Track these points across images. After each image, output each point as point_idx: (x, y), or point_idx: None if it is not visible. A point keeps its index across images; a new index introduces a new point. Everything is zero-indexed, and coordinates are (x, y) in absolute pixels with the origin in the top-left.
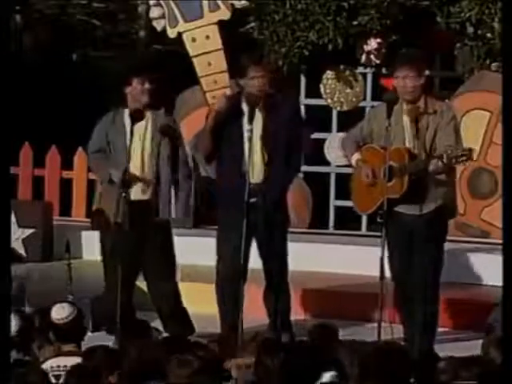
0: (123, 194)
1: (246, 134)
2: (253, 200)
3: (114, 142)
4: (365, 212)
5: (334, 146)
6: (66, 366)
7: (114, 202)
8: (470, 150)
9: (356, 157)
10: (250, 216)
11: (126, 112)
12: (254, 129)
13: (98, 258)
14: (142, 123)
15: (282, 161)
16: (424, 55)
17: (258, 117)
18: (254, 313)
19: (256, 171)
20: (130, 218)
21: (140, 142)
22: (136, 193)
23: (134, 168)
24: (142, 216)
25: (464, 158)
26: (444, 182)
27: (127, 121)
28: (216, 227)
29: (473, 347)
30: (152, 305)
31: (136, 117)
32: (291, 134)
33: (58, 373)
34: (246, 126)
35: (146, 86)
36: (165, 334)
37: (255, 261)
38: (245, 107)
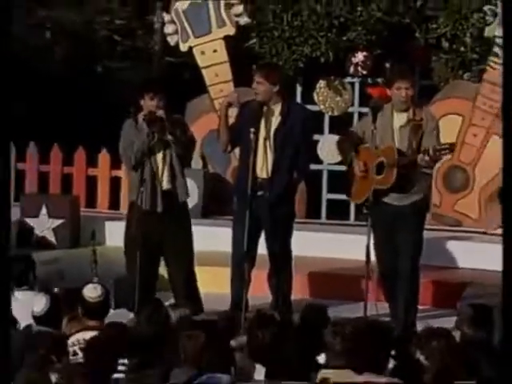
0: (153, 133)
1: (263, 134)
2: (260, 193)
3: (135, 144)
4: (357, 200)
5: (326, 146)
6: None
7: (143, 193)
8: (452, 144)
9: (352, 156)
10: (259, 207)
11: (142, 117)
12: (266, 131)
13: (120, 244)
14: (157, 126)
15: (290, 161)
16: (412, 70)
17: (274, 120)
18: (263, 293)
19: (266, 168)
20: (158, 205)
21: (157, 143)
22: (162, 184)
23: (155, 164)
24: (166, 204)
25: (447, 150)
26: (425, 178)
27: (144, 124)
28: (222, 217)
29: (448, 322)
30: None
31: (150, 120)
32: (301, 138)
33: (84, 346)
34: (262, 128)
35: (157, 97)
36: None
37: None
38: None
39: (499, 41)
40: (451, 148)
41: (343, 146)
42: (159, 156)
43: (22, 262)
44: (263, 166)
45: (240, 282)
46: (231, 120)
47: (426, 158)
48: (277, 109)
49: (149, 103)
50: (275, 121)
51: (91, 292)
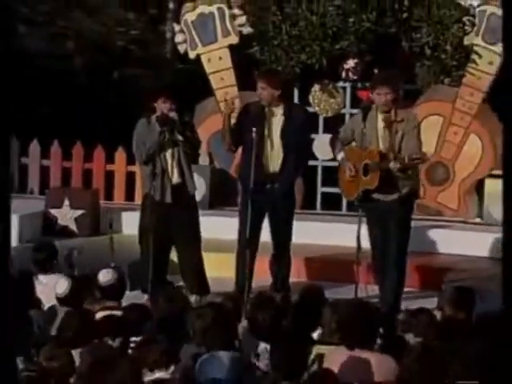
0: (164, 132)
1: (266, 133)
2: (268, 186)
3: (147, 142)
4: (349, 198)
5: (320, 144)
6: None
7: (155, 187)
8: (425, 155)
9: (341, 155)
10: (265, 199)
11: (154, 118)
12: (273, 130)
13: (135, 232)
14: (168, 126)
15: (295, 156)
16: (397, 75)
17: (278, 121)
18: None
19: (273, 163)
20: (168, 197)
21: (167, 141)
22: (172, 178)
23: (164, 161)
24: (176, 196)
25: (419, 161)
26: (410, 175)
27: (156, 124)
28: (227, 208)
29: (430, 303)
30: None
31: (162, 121)
32: (302, 136)
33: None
34: (265, 128)
35: (169, 101)
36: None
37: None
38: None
39: (477, 49)
40: (424, 159)
41: (335, 145)
42: (169, 153)
43: (46, 249)
44: (271, 161)
45: (244, 266)
46: (232, 120)
47: (398, 165)
48: (278, 110)
49: (162, 105)
50: (279, 121)
51: (104, 276)
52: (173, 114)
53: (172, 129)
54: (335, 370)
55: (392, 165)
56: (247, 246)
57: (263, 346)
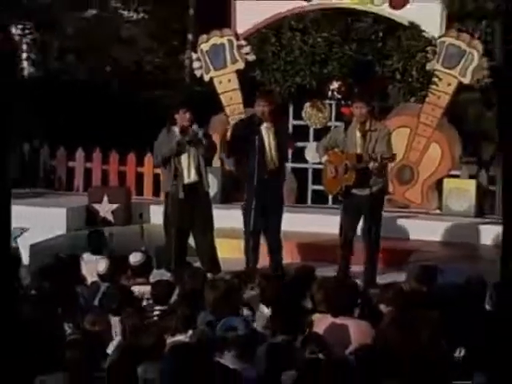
0: (183, 140)
1: (265, 140)
2: (269, 180)
3: (164, 147)
4: (331, 193)
5: (310, 150)
6: (139, 292)
7: (175, 186)
8: (394, 154)
9: (325, 158)
10: (266, 191)
11: (176, 129)
12: (267, 138)
13: (160, 222)
14: (189, 135)
15: (285, 157)
16: (371, 94)
17: (270, 130)
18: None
19: (271, 162)
20: (187, 194)
21: (185, 147)
22: (190, 177)
23: (185, 162)
24: (193, 192)
25: (390, 159)
26: (382, 174)
27: (175, 133)
28: (235, 203)
29: (399, 278)
30: (195, 253)
31: (183, 131)
32: (285, 142)
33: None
34: (264, 136)
35: (188, 114)
36: None
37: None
38: (265, 126)
39: (437, 73)
40: (393, 158)
41: (318, 149)
42: (187, 156)
43: (96, 235)
44: (271, 160)
45: (249, 249)
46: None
47: (376, 164)
48: (271, 123)
49: (182, 116)
50: (272, 130)
51: (135, 257)
52: (195, 127)
53: (193, 136)
54: (322, 332)
55: (371, 165)
56: (253, 233)
57: (266, 311)
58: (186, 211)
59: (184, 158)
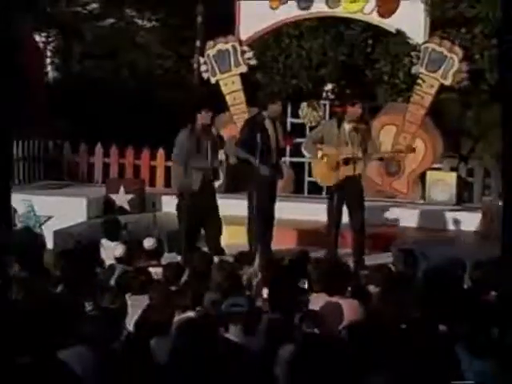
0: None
1: (272, 137)
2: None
3: (186, 146)
4: (327, 184)
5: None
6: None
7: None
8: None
9: (320, 153)
10: (270, 182)
11: (198, 127)
12: (275, 135)
13: (172, 211)
14: (208, 133)
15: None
16: (361, 95)
17: (275, 128)
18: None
19: (274, 157)
20: (201, 187)
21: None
22: (205, 172)
23: (202, 157)
24: (207, 186)
25: (403, 153)
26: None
27: (196, 132)
28: (238, 193)
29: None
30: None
31: (204, 130)
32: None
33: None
34: (271, 134)
35: (210, 111)
36: None
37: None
38: (267, 124)
39: (421, 76)
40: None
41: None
42: (207, 151)
43: (113, 223)
44: (274, 155)
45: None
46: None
47: (379, 156)
48: (276, 122)
49: (204, 115)
50: (275, 128)
51: (147, 242)
52: (214, 130)
53: (210, 134)
54: (317, 309)
55: (374, 156)
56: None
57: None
58: (197, 201)
59: (202, 153)
